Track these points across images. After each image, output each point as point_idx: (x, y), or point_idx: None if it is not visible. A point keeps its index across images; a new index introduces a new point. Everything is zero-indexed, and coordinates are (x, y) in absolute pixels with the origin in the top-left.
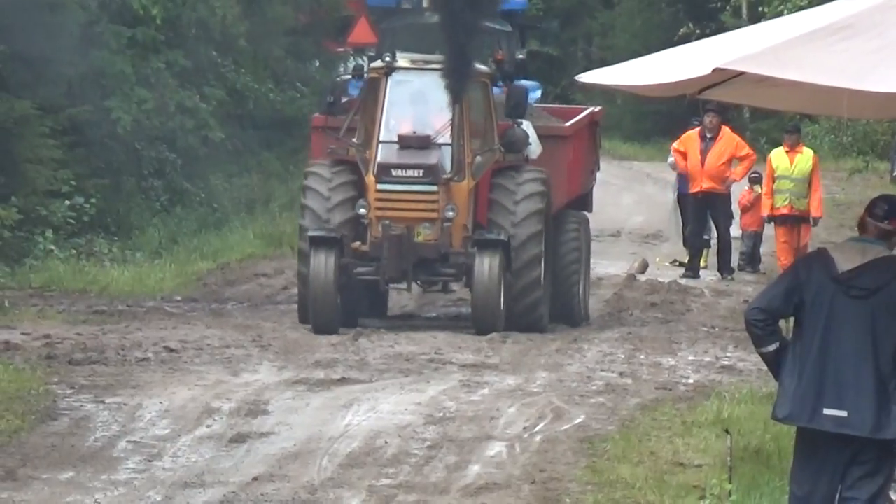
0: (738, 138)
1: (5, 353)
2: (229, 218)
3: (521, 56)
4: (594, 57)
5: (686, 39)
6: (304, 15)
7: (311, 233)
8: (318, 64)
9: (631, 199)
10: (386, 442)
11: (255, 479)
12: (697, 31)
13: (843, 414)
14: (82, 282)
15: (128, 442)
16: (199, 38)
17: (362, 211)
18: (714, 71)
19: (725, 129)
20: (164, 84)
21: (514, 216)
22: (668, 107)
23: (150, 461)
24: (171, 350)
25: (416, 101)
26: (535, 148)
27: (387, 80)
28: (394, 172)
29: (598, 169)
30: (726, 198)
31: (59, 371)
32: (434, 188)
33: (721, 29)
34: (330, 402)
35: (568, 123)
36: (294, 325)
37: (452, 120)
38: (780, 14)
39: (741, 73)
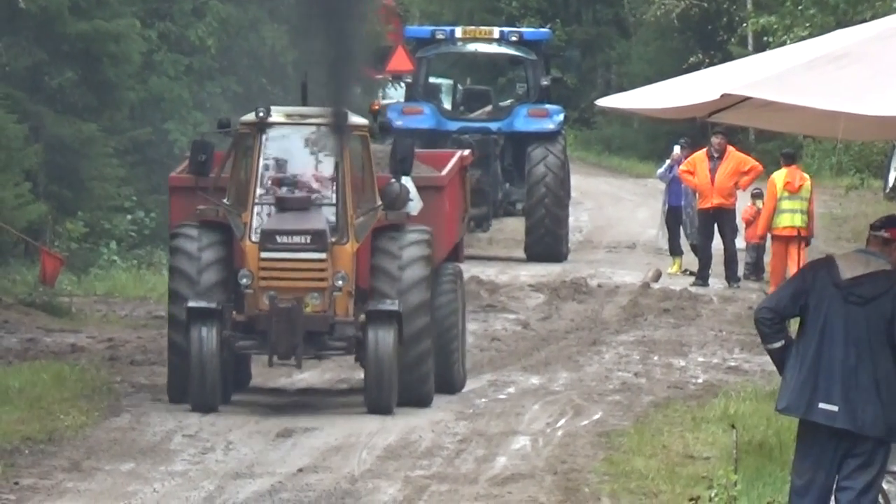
0: (742, 155)
1: (72, 355)
2: None
3: (545, 82)
4: (613, 83)
5: (695, 68)
6: None
7: (190, 304)
8: (359, 90)
9: (646, 214)
10: (420, 436)
11: (300, 470)
12: (706, 61)
13: (834, 409)
14: (142, 289)
15: (183, 436)
16: (250, 67)
17: (245, 281)
18: (722, 96)
19: (731, 149)
20: (218, 108)
21: (400, 283)
22: (681, 128)
23: (203, 454)
24: None
25: (292, 159)
26: (415, 204)
27: (260, 137)
28: (279, 239)
29: (468, 214)
30: (732, 213)
31: (121, 371)
32: (323, 255)
33: (728, 58)
34: None
35: (443, 172)
36: None
37: (335, 177)
38: (784, 44)
39: (747, 98)
